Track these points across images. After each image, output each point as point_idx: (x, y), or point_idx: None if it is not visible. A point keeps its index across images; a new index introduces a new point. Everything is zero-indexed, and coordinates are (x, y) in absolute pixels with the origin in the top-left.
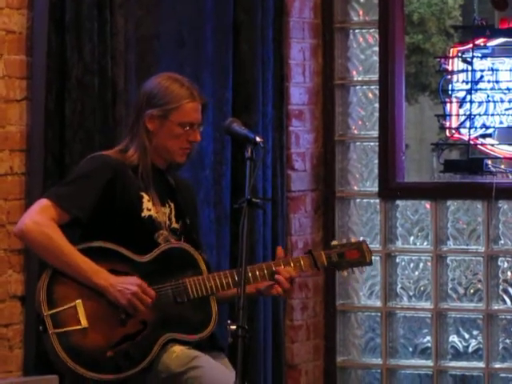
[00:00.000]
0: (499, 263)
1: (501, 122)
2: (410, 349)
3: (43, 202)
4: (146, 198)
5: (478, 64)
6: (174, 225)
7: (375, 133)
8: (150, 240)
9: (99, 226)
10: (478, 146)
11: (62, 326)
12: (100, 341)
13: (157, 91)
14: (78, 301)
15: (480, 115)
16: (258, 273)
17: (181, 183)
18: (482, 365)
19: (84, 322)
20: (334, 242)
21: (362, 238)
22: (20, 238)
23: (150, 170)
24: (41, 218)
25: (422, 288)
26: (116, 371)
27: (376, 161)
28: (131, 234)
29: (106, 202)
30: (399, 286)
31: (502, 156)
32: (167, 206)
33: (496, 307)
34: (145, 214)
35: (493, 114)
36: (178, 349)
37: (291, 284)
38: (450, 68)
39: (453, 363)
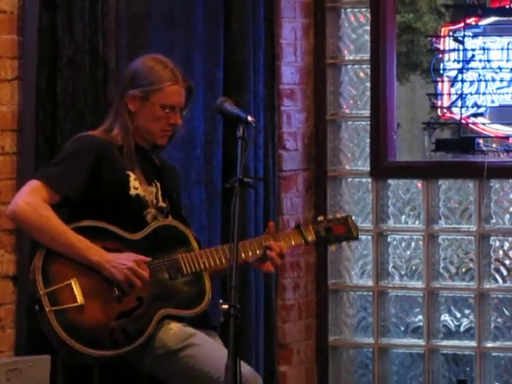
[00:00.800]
0: (491, 242)
1: (492, 101)
2: (402, 328)
3: (33, 183)
4: (132, 176)
5: (470, 43)
6: (161, 203)
7: (367, 112)
8: (139, 218)
9: (88, 205)
10: (470, 125)
11: (58, 303)
12: (97, 318)
13: (140, 72)
14: (73, 278)
15: (471, 94)
16: (249, 248)
17: (166, 164)
18: (473, 344)
19: (80, 299)
20: (321, 217)
21: (347, 214)
22: (13, 220)
23: (133, 150)
24: (32, 198)
25: (413, 267)
26: (114, 347)
27: (367, 140)
28: (120, 212)
29: (95, 181)
30: (391, 265)
31: (493, 135)
32: (153, 185)
33: (488, 286)
34: (132, 192)
35: (484, 93)
36: (174, 326)
37: (282, 259)
38: (441, 47)
39: (444, 342)
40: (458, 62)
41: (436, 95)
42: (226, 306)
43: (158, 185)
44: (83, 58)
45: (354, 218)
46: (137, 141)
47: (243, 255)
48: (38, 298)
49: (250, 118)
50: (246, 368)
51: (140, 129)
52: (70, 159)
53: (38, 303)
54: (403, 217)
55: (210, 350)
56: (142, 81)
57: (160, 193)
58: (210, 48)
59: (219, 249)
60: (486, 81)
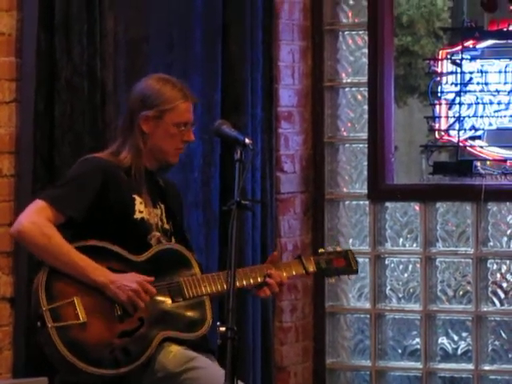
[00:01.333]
0: (488, 265)
1: (490, 124)
2: (400, 350)
3: (38, 203)
4: (138, 200)
5: (467, 66)
6: (166, 225)
7: (364, 135)
8: (143, 242)
9: (93, 226)
10: (467, 148)
11: (61, 320)
12: (98, 336)
13: (150, 93)
14: (76, 296)
15: (469, 117)
16: (250, 275)
17: (169, 185)
18: (471, 367)
19: (83, 317)
20: (321, 250)
21: (349, 246)
22: (18, 239)
23: (143, 172)
24: (37, 218)
25: (411, 290)
26: (115, 366)
27: (365, 163)
28: (124, 235)
29: (100, 204)
30: (388, 287)
31: (491, 158)
32: (158, 207)
33: (485, 309)
34: (137, 216)
35: (482, 116)
36: (174, 348)
37: (280, 288)
38: (439, 70)
39: (442, 365)
40: (456, 84)
41: (434, 118)
42: (223, 329)
43: (163, 207)
44: (81, 81)
45: (351, 240)
46: (145, 163)
47: (244, 282)
48: (41, 313)
49: (247, 141)
50: None
51: (153, 149)
52: (77, 181)
53: (41, 319)
54: (401, 239)
55: (212, 373)
56: (154, 101)
57: (164, 215)
58: (208, 70)
59: (220, 274)
60: (483, 103)
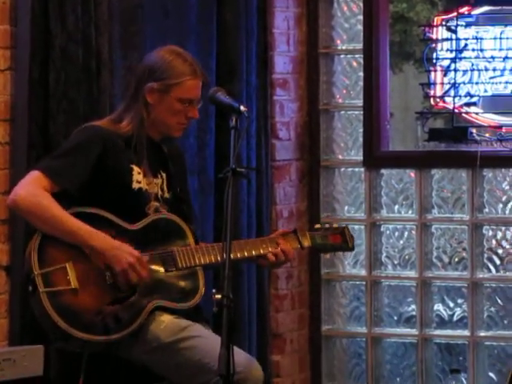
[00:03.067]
0: (484, 231)
1: (485, 91)
2: (395, 317)
3: (35, 174)
4: (136, 170)
5: (463, 32)
6: (166, 195)
7: (360, 102)
8: (141, 212)
9: (89, 196)
10: (463, 115)
11: (52, 285)
12: (90, 303)
13: (159, 65)
14: (68, 262)
15: (464, 84)
16: (245, 250)
17: (173, 151)
18: (466, 333)
19: (74, 283)
20: (318, 226)
21: (345, 225)
22: (14, 209)
23: (145, 141)
24: (33, 187)
25: (406, 257)
26: (105, 333)
27: (360, 130)
28: (121, 205)
29: (97, 174)
30: (384, 254)
31: (486, 124)
32: (159, 176)
33: (481, 275)
34: (135, 186)
35: (477, 83)
36: (166, 318)
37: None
38: (434, 37)
39: (437, 332)
40: (451, 51)
41: (429, 85)
42: (218, 296)
43: (164, 176)
44: (76, 49)
45: (346, 207)
46: (148, 132)
47: (238, 254)
48: (32, 278)
49: (242, 108)
50: (243, 355)
51: (156, 121)
52: (73, 152)
53: (32, 284)
54: (396, 206)
55: (208, 341)
56: (162, 74)
57: (165, 184)
58: (203, 38)
59: (215, 245)
60: (478, 70)
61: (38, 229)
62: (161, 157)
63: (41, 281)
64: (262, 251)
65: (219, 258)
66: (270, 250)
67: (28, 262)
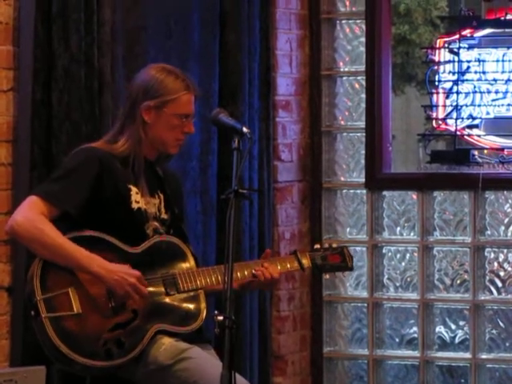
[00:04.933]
0: (486, 254)
1: (487, 113)
2: (397, 339)
3: (32, 199)
4: (134, 190)
5: (465, 55)
6: (163, 215)
7: (362, 123)
8: (140, 232)
9: (88, 218)
10: (465, 137)
11: (54, 310)
12: (92, 328)
13: (153, 83)
14: (71, 287)
15: (467, 106)
16: (245, 271)
17: (169, 174)
18: (468, 355)
19: (77, 308)
20: (317, 245)
21: (344, 245)
22: (12, 235)
23: (143, 161)
24: (31, 213)
25: (408, 279)
26: (108, 358)
27: (363, 151)
28: (120, 225)
29: (95, 195)
30: (386, 276)
31: (488, 147)
32: (156, 197)
33: (482, 298)
34: (134, 206)
35: (479, 105)
36: (166, 341)
37: (279, 277)
38: (436, 59)
39: (439, 354)
40: (454, 73)
41: (431, 107)
42: (220, 318)
43: (162, 196)
44: (78, 69)
45: (348, 229)
46: (144, 153)
47: (239, 275)
48: (35, 303)
49: (245, 129)
50: (240, 380)
51: (154, 139)
52: (71, 174)
53: (35, 309)
54: (398, 228)
55: (204, 362)
56: (157, 92)
57: (163, 204)
58: (206, 59)
59: (216, 268)
60: (481, 92)
61: (37, 254)
62: (156, 177)
63: (43, 306)
64: (246, 273)
65: (220, 280)
66: (253, 271)
67: (30, 286)
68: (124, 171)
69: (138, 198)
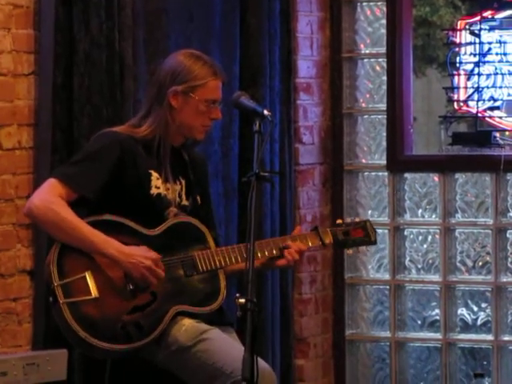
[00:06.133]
0: (508, 236)
1: (509, 95)
2: (419, 322)
3: (51, 182)
4: (154, 175)
5: (486, 36)
6: (184, 202)
7: (383, 106)
8: (160, 217)
9: (108, 203)
10: (486, 119)
11: (72, 296)
12: (111, 311)
13: (181, 69)
14: (88, 272)
15: (488, 88)
16: (265, 248)
17: (195, 158)
18: (490, 337)
19: (94, 293)
20: (339, 221)
21: (368, 216)
22: (29, 217)
23: (169, 147)
24: (49, 195)
25: (430, 261)
26: (127, 341)
27: (384, 134)
28: (140, 211)
29: (115, 180)
30: (408, 258)
31: (509, 128)
32: (178, 183)
33: (504, 279)
34: (153, 191)
35: (501, 87)
36: (187, 322)
37: (301, 256)
38: (457, 40)
39: (461, 336)
40: (475, 55)
41: (452, 89)
42: (242, 301)
43: (183, 182)
44: (99, 53)
45: (370, 211)
46: (169, 138)
47: (259, 254)
48: (52, 289)
49: (266, 112)
50: (261, 363)
51: (180, 125)
52: (91, 158)
53: (52, 295)
54: (420, 210)
55: (223, 344)
56: (185, 77)
57: (184, 191)
58: (227, 42)
59: (235, 247)
60: (502, 74)
61: (53, 237)
62: (180, 163)
63: (61, 292)
64: (266, 253)
65: (240, 259)
66: (274, 252)
67: (48, 273)
68: (146, 156)
69: (158, 184)
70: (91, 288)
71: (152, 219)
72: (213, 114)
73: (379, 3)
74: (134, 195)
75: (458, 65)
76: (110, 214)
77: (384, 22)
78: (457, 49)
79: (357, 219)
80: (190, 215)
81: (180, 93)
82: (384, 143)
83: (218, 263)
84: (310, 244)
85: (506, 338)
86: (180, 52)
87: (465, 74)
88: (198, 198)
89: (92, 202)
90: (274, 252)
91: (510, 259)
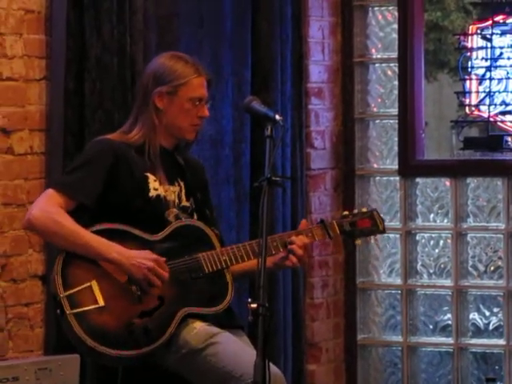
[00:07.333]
0: None
1: None
2: (431, 326)
3: (48, 192)
4: (151, 178)
5: (498, 41)
6: (184, 203)
7: (395, 110)
8: (161, 219)
9: (108, 210)
10: (498, 123)
11: (78, 306)
12: (118, 318)
13: (163, 70)
14: (93, 281)
15: (500, 92)
16: (271, 244)
17: (191, 162)
18: (502, 342)
19: (101, 301)
20: (346, 212)
21: (373, 208)
22: (29, 228)
23: (158, 149)
24: (47, 205)
25: (442, 265)
26: (136, 347)
27: (396, 138)
28: (141, 214)
29: (111, 186)
30: (419, 263)
31: None
32: (176, 184)
33: None
34: (152, 193)
35: None
36: (198, 325)
37: (305, 251)
38: (469, 45)
39: (473, 340)
40: (486, 59)
41: (464, 93)
42: (254, 305)
43: (182, 184)
44: (111, 58)
45: (382, 216)
46: (160, 141)
47: (273, 250)
48: (59, 301)
49: (277, 117)
50: (272, 368)
51: (169, 126)
52: (86, 165)
53: (59, 307)
54: (431, 215)
55: (233, 348)
56: (168, 77)
57: (183, 192)
58: (238, 47)
59: (240, 246)
60: None
61: (55, 245)
62: (176, 165)
63: (67, 303)
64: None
65: (246, 258)
66: (280, 249)
67: (53, 284)
68: (140, 160)
69: (156, 186)
70: (97, 297)
71: (153, 222)
72: (200, 112)
73: (391, 8)
74: (133, 199)
75: (469, 69)
76: (111, 221)
77: (395, 26)
78: (468, 53)
79: (363, 209)
80: (191, 216)
81: (164, 93)
82: (395, 148)
83: (223, 263)
84: (316, 238)
85: None
86: (161, 55)
87: (476, 79)
88: (199, 198)
89: (92, 210)
90: (281, 249)
91: None
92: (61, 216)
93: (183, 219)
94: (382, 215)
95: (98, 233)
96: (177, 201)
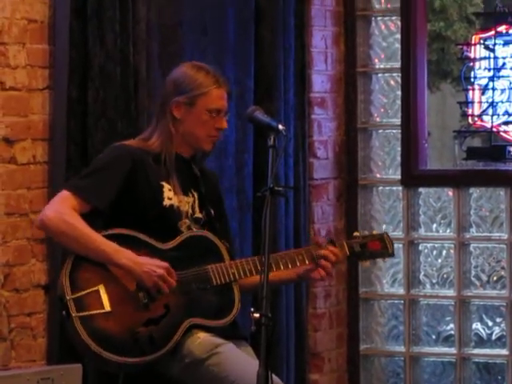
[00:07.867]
0: None
1: None
2: (434, 336)
3: (63, 194)
4: (166, 187)
5: (501, 51)
6: (197, 214)
7: (397, 120)
8: (173, 229)
9: (121, 216)
10: (501, 133)
11: (85, 309)
12: (124, 325)
13: (183, 79)
14: (101, 285)
15: (502, 102)
16: (297, 258)
17: (206, 173)
18: (505, 352)
19: (107, 306)
20: (356, 233)
21: (384, 230)
22: (42, 229)
23: (174, 158)
24: (61, 207)
25: (444, 275)
26: (140, 355)
27: (398, 148)
28: (154, 223)
29: (127, 192)
30: (422, 273)
31: None
32: (190, 195)
33: None
34: (166, 203)
35: None
36: (202, 335)
37: (333, 265)
38: (472, 55)
39: (476, 351)
40: (489, 69)
41: (467, 103)
42: (257, 315)
43: (196, 195)
44: (114, 68)
45: (384, 226)
46: (178, 150)
47: (274, 267)
48: (65, 303)
49: (280, 127)
50: (274, 379)
51: (186, 135)
52: (102, 170)
53: (65, 309)
54: (434, 225)
55: (236, 358)
56: (187, 87)
57: (197, 203)
58: (241, 56)
59: (250, 260)
60: None
61: (66, 248)
62: (191, 176)
63: (73, 306)
64: (298, 263)
65: (254, 272)
66: (306, 262)
67: (60, 286)
68: (157, 168)
69: (170, 195)
70: (104, 302)
71: (165, 231)
72: (217, 124)
73: (394, 18)
74: (148, 207)
75: (472, 79)
76: (123, 227)
77: (398, 36)
78: (471, 63)
79: (374, 231)
80: (204, 228)
81: (182, 103)
82: (398, 158)
83: (231, 276)
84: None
85: None
86: (184, 64)
87: (479, 89)
88: (212, 210)
89: (105, 214)
90: (290, 266)
91: None
92: (74, 218)
93: (194, 230)
94: (391, 237)
95: (110, 237)
96: (190, 211)
